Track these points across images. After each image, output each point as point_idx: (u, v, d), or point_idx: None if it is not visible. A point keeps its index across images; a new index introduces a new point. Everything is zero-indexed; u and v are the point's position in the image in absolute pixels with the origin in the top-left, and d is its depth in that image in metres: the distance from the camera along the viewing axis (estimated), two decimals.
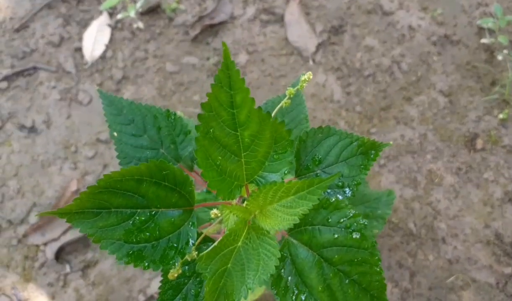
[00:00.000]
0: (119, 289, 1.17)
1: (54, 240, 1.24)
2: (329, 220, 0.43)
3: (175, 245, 0.43)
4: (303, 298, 0.42)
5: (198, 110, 1.35)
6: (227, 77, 0.37)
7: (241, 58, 1.43)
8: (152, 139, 0.53)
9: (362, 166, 0.49)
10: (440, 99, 1.32)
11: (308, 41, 1.44)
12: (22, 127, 1.39)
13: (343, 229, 0.42)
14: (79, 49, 1.49)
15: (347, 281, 0.43)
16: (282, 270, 0.43)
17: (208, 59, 1.43)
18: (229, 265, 0.40)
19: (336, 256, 0.43)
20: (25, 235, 1.25)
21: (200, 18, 1.50)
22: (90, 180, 1.29)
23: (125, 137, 0.53)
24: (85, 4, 1.57)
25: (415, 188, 1.22)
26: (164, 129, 0.53)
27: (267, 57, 1.42)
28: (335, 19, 1.47)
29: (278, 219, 0.40)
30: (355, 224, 0.43)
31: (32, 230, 1.26)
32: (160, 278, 1.21)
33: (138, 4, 1.49)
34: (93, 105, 1.40)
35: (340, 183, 0.49)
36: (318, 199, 0.40)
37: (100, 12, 1.54)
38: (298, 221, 0.40)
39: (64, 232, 1.25)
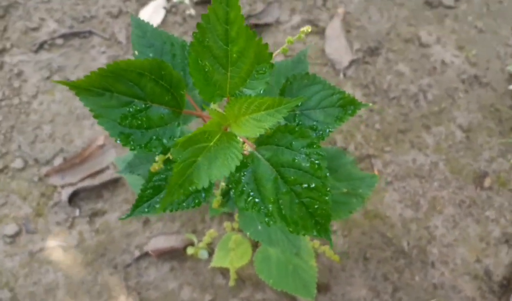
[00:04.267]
0: (119, 241, 1.25)
1: (72, 184, 1.34)
2: (292, 144, 0.48)
3: (160, 137, 0.50)
4: (255, 202, 0.48)
5: None
6: None
7: (277, 58, 1.51)
8: None
9: (338, 117, 0.55)
10: (458, 133, 1.35)
11: (343, 56, 1.51)
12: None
13: (303, 155, 0.48)
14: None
15: (296, 201, 0.49)
16: (243, 177, 0.49)
17: None
18: (199, 159, 0.47)
19: (292, 177, 0.49)
20: (46, 175, 1.36)
21: (248, 16, 1.60)
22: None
23: (143, 57, 0.62)
24: None
25: (416, 210, 1.25)
26: (178, 57, 0.61)
27: None
28: (373, 41, 1.53)
29: (248, 129, 0.47)
30: (314, 153, 0.48)
31: (54, 172, 1.36)
32: (158, 238, 1.27)
33: None
34: None
35: (314, 125, 0.55)
36: (284, 119, 0.47)
37: None
38: (263, 132, 0.46)
39: (82, 180, 1.34)
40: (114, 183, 1.34)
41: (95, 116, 0.49)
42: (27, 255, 1.20)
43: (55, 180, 1.35)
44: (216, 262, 1.02)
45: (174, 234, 1.22)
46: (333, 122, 0.55)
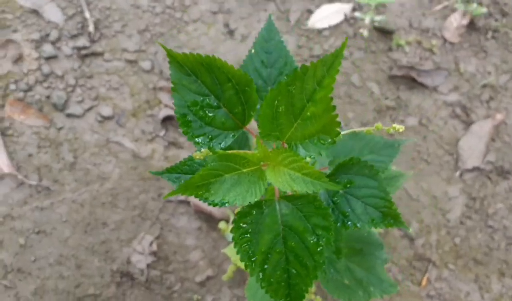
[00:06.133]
0: None
1: (172, 108, 1.45)
2: (311, 218, 0.49)
3: (212, 137, 0.54)
4: (247, 241, 0.50)
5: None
6: (332, 62, 0.45)
7: (409, 121, 1.45)
8: (269, 75, 0.65)
9: (373, 221, 0.54)
10: None
11: (472, 158, 1.42)
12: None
13: (314, 233, 0.49)
14: (310, 11, 1.63)
15: (283, 265, 0.50)
16: (250, 215, 0.51)
17: (386, 98, 1.48)
18: (226, 176, 0.50)
19: (292, 243, 0.50)
20: (160, 89, 1.48)
21: (411, 68, 1.53)
22: None
23: (256, 59, 0.65)
24: None
25: None
26: (283, 77, 0.64)
27: (430, 135, 1.44)
28: (510, 164, 1.41)
29: (280, 180, 0.48)
30: (324, 238, 0.49)
31: (167, 90, 1.48)
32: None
33: (377, 18, 1.57)
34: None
35: (347, 213, 0.55)
36: (315, 197, 0.48)
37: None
38: (289, 192, 0.48)
39: None
40: None
41: (173, 89, 0.54)
42: (104, 139, 1.35)
43: (164, 97, 1.47)
44: (227, 250, 1.06)
45: None
46: (367, 221, 0.54)
